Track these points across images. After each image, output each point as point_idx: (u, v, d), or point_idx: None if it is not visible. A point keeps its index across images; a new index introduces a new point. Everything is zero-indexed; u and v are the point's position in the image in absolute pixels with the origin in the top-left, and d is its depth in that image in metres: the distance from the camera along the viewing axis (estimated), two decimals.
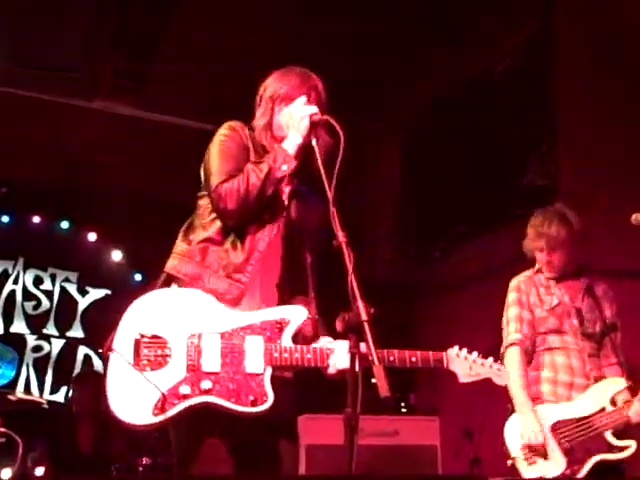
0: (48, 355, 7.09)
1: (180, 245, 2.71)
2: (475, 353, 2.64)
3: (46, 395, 6.91)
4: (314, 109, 2.68)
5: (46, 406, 5.51)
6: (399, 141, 7.35)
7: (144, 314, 2.51)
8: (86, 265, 7.40)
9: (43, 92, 6.71)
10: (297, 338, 2.60)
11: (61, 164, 6.88)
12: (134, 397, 2.39)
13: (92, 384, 6.01)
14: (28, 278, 7.20)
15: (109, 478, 5.18)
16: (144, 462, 5.33)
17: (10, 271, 7.14)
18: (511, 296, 3.89)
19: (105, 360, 2.46)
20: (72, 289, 7.36)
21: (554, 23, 5.61)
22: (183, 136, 7.06)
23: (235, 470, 2.50)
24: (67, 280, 7.35)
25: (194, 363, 2.46)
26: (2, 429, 2.90)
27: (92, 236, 7.41)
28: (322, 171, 2.49)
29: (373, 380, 2.10)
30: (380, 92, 6.47)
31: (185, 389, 2.42)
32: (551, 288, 3.84)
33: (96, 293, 7.42)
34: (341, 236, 2.30)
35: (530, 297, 3.83)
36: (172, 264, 2.67)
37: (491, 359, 2.65)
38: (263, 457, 2.57)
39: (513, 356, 3.76)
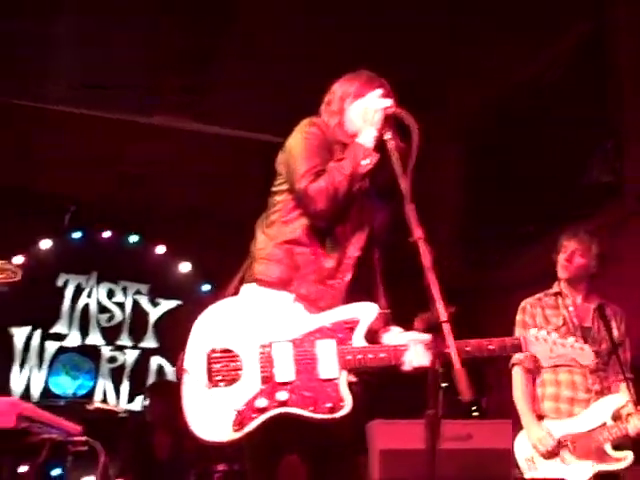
0: (123, 365, 7.27)
1: (263, 246, 2.60)
2: (555, 334, 2.51)
3: (122, 404, 7.07)
4: (389, 102, 2.59)
5: (123, 415, 5.63)
6: (461, 144, 7.29)
7: (212, 327, 2.44)
8: (156, 277, 7.55)
9: (107, 110, 6.88)
10: (368, 335, 2.49)
11: (127, 180, 7.04)
12: (212, 415, 2.34)
13: (166, 393, 6.14)
14: (101, 291, 7.38)
15: None
16: (220, 469, 5.40)
17: (84, 285, 7.34)
18: (517, 317, 4.04)
19: (179, 380, 2.41)
20: (143, 301, 7.51)
21: (614, 17, 5.51)
22: (244, 148, 7.17)
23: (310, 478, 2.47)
24: (138, 292, 7.52)
25: (268, 374, 2.39)
26: (84, 437, 2.97)
27: (160, 249, 7.56)
28: (397, 166, 2.39)
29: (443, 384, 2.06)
30: (442, 95, 6.44)
31: (262, 402, 2.36)
32: (560, 308, 3.94)
33: (167, 304, 7.56)
34: (418, 233, 2.21)
35: (536, 318, 3.95)
36: (259, 269, 2.55)
37: (572, 339, 2.52)
38: (337, 465, 2.51)
39: (516, 376, 3.97)
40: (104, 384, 7.14)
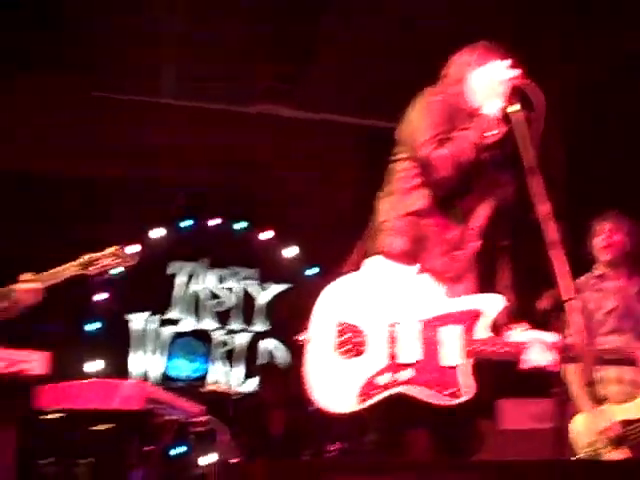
0: (234, 349, 7.45)
1: (385, 217, 2.59)
2: None
3: (235, 386, 7.25)
4: (517, 72, 2.54)
5: (237, 396, 5.79)
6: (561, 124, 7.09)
7: (340, 299, 2.45)
8: (264, 262, 7.67)
9: (213, 101, 7.06)
10: (492, 327, 2.50)
11: (232, 168, 7.20)
12: (336, 386, 2.36)
13: (278, 374, 6.31)
14: (212, 278, 7.58)
15: (303, 462, 5.36)
16: (334, 447, 5.50)
17: (195, 272, 7.55)
18: None
19: (303, 349, 2.44)
20: (253, 285, 7.67)
21: None
22: (344, 133, 7.22)
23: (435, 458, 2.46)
24: (247, 277, 7.68)
25: (392, 353, 2.40)
26: (206, 418, 3.09)
27: (267, 234, 7.70)
28: (522, 138, 2.36)
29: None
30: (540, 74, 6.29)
31: (385, 379, 2.38)
32: (606, 291, 3.81)
33: (275, 288, 7.69)
34: (544, 207, 2.20)
35: (589, 304, 3.77)
36: (383, 241, 2.54)
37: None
38: (461, 444, 2.52)
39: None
40: (218, 367, 7.34)
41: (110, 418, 2.76)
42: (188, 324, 7.40)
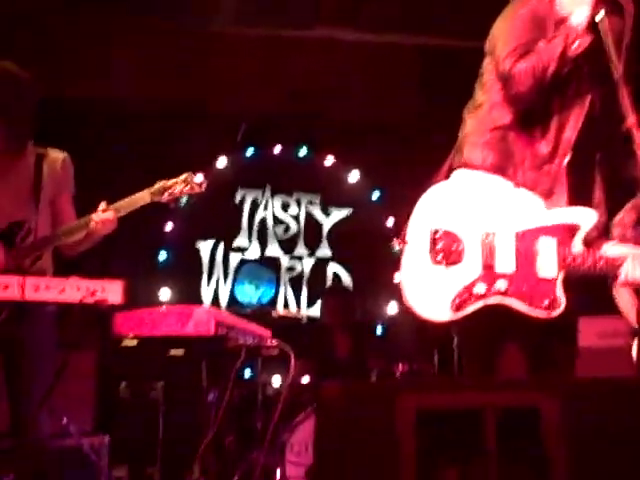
0: (301, 274, 7.56)
1: (473, 130, 2.56)
2: None
3: (303, 310, 7.39)
4: None
5: (304, 320, 5.91)
6: None
7: (436, 207, 2.46)
8: (327, 187, 7.70)
9: (272, 27, 6.99)
10: (586, 242, 2.48)
11: (294, 95, 7.17)
12: (431, 293, 2.39)
13: (342, 297, 6.40)
14: (276, 204, 7.65)
15: (369, 383, 5.47)
16: (400, 369, 5.61)
17: (260, 199, 7.63)
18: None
19: (399, 253, 2.47)
20: (316, 211, 7.72)
21: None
22: (405, 56, 7.09)
23: (527, 372, 2.48)
24: (311, 203, 7.72)
25: (488, 262, 2.40)
26: (276, 341, 3.18)
27: (329, 160, 7.70)
28: (610, 48, 2.29)
29: None
30: None
31: (480, 288, 2.38)
32: None
33: (338, 213, 7.73)
34: (632, 118, 2.17)
35: None
36: (472, 155, 2.54)
37: None
38: (548, 360, 2.53)
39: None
40: (285, 292, 7.48)
41: (184, 343, 2.85)
42: (255, 251, 7.52)
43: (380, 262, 7.50)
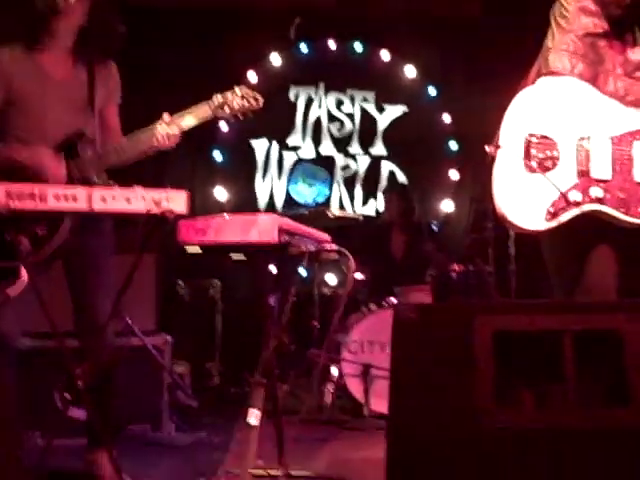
0: (355, 173, 7.50)
1: (561, 37, 2.45)
2: None
3: (358, 209, 7.38)
4: None
5: (360, 219, 5.91)
6: None
7: (529, 111, 2.37)
8: (381, 84, 7.52)
9: None
10: None
11: None
12: (525, 201, 2.31)
13: (405, 196, 6.36)
14: (330, 102, 7.53)
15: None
16: (457, 269, 5.61)
17: (313, 97, 7.51)
18: None
19: (491, 159, 2.38)
20: (370, 108, 7.58)
21: None
22: None
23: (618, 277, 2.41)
24: (365, 100, 7.58)
25: (584, 168, 2.34)
26: (335, 246, 3.17)
27: (385, 54, 7.50)
28: None
29: None
30: None
31: (576, 195, 2.32)
32: None
33: (393, 110, 7.58)
34: None
35: None
36: (557, 63, 2.44)
37: None
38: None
39: None
40: (339, 191, 7.45)
41: (247, 251, 2.86)
42: (309, 150, 7.47)
43: (435, 160, 7.47)
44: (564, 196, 2.31)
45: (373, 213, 7.42)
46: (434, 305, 2.45)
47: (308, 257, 3.05)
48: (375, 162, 7.53)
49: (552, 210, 2.30)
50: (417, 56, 7.42)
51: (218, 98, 3.17)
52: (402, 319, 1.79)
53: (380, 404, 4.76)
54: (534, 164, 2.31)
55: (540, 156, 2.32)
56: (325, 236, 3.31)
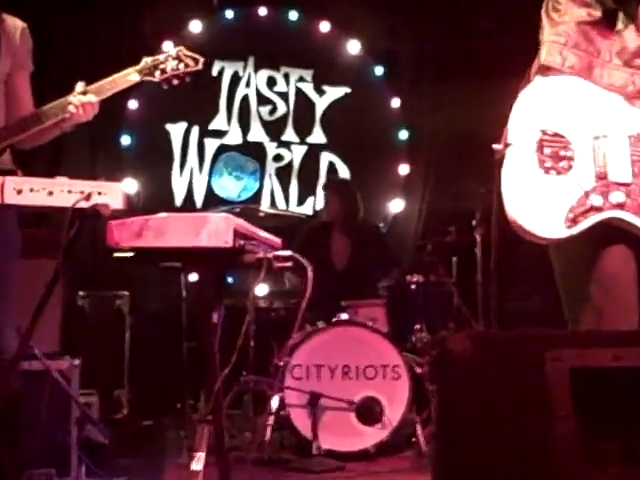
0: (290, 164, 7.39)
1: (550, 28, 2.55)
2: None
3: (292, 207, 7.26)
4: None
5: (302, 217, 5.79)
6: None
7: (541, 107, 2.43)
8: (321, 61, 7.45)
9: None
10: None
11: None
12: (541, 206, 2.35)
13: (342, 192, 6.24)
14: (260, 80, 7.39)
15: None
16: (414, 279, 5.54)
17: (241, 73, 7.35)
18: None
19: (499, 159, 2.42)
20: (308, 89, 7.48)
21: None
22: None
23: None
24: (302, 79, 7.47)
25: (602, 170, 2.40)
26: (289, 252, 3.06)
27: (324, 26, 7.40)
28: None
29: None
30: None
31: (596, 200, 2.37)
32: None
33: (334, 92, 7.50)
34: None
35: None
36: (548, 56, 2.52)
37: None
38: None
39: None
40: (271, 185, 7.32)
41: (191, 256, 2.71)
42: (235, 136, 7.31)
43: (382, 151, 7.42)
44: (582, 201, 2.35)
45: (311, 212, 7.30)
46: (493, 334, 2.34)
47: (259, 265, 2.94)
48: (313, 152, 7.44)
49: (571, 217, 2.34)
50: (362, 29, 7.36)
51: (147, 61, 3.10)
52: (450, 351, 1.65)
53: (331, 440, 4.68)
54: (548, 164, 2.36)
55: (555, 156, 2.38)
56: (277, 241, 3.21)
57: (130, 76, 3.05)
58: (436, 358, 1.71)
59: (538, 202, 2.34)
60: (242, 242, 2.68)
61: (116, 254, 2.67)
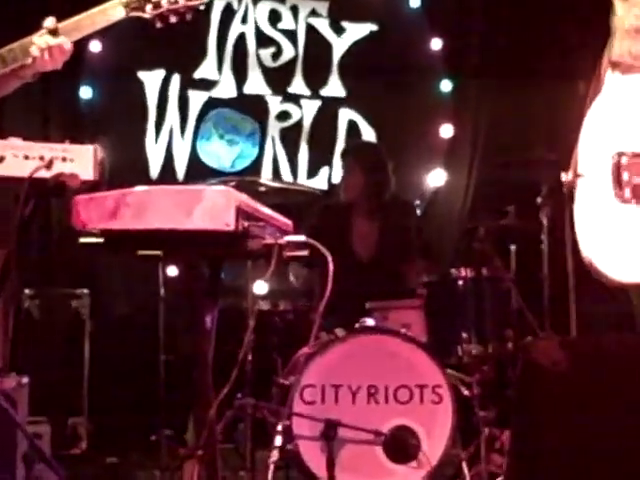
0: (299, 124, 7.45)
1: (624, 13, 2.67)
2: None
3: (302, 180, 7.34)
4: None
5: (318, 193, 5.80)
6: None
7: (616, 119, 2.52)
8: None
9: None
10: None
11: None
12: (619, 242, 2.45)
13: (368, 160, 6.25)
14: (261, 14, 7.44)
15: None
16: (462, 274, 5.56)
17: (235, 6, 7.40)
18: None
19: (569, 188, 2.53)
20: (322, 26, 7.54)
21: None
22: None
23: None
24: (314, 14, 7.52)
25: None
26: (304, 238, 3.08)
27: None
28: None
29: None
30: None
31: None
32: None
33: (356, 30, 7.56)
34: None
35: None
36: (615, 49, 2.64)
37: None
38: None
39: None
40: (274, 152, 7.37)
41: (180, 242, 2.74)
42: (228, 87, 7.37)
43: (420, 107, 7.43)
44: None
45: (325, 186, 7.33)
46: (589, 340, 2.43)
47: (268, 253, 2.98)
48: (329, 108, 7.50)
49: None
50: None
51: None
52: (537, 361, 1.69)
53: None
54: (627, 193, 2.47)
55: (636, 181, 2.48)
56: (287, 222, 3.24)
57: (113, 11, 3.06)
58: (520, 373, 1.75)
59: (616, 239, 2.45)
60: (246, 224, 2.70)
61: (82, 239, 2.69)
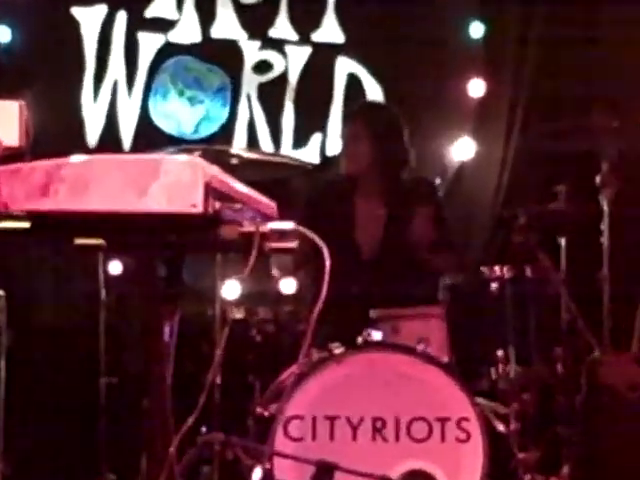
0: (283, 77, 7.50)
1: None
2: None
3: (286, 151, 7.38)
4: None
5: (302, 166, 5.84)
6: None
7: None
8: None
9: None
10: None
11: None
12: None
13: (377, 125, 6.27)
14: None
15: None
16: (498, 273, 5.60)
17: None
18: None
19: None
20: None
21: None
22: None
23: None
24: None
25: None
26: (294, 225, 3.10)
27: None
28: None
29: None
30: None
31: None
32: None
33: None
34: None
35: None
36: None
37: None
38: None
39: None
40: (250, 113, 7.41)
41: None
42: (190, 29, 7.42)
43: (441, 58, 7.47)
44: None
45: (318, 159, 7.36)
46: None
47: (246, 244, 2.99)
48: (322, 57, 7.56)
49: None
50: None
51: None
52: (608, 385, 1.71)
53: None
54: None
55: None
56: (270, 205, 3.28)
57: None
58: (584, 400, 1.77)
59: None
60: (218, 206, 2.71)
61: (2, 224, 2.71)
